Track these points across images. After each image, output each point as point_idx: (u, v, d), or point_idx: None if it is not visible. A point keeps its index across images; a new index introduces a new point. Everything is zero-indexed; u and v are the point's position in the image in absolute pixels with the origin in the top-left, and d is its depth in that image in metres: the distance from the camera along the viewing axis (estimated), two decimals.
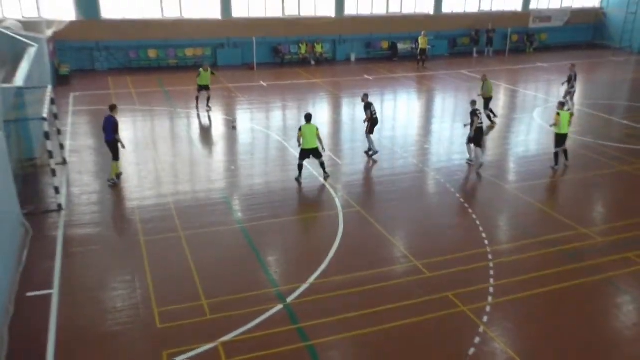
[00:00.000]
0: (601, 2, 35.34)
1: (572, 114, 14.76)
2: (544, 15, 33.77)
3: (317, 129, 13.35)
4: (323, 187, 13.36)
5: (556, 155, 14.81)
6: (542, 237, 11.05)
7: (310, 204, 12.46)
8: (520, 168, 15.17)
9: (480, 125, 14.62)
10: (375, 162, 15.21)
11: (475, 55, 31.30)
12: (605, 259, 10.30)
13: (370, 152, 15.47)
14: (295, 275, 9.61)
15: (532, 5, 33.65)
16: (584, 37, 35.33)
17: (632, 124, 18.61)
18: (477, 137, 14.57)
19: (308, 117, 13.41)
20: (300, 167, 13.54)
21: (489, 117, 18.57)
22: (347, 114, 19.88)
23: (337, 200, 12.63)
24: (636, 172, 14.59)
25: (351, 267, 9.82)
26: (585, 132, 17.53)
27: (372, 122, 15.18)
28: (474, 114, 14.60)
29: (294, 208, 12.39)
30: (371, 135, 15.38)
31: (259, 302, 8.80)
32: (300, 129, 13.31)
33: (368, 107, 15.11)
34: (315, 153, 13.41)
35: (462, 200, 12.73)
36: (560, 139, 14.66)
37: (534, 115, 19.96)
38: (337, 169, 14.68)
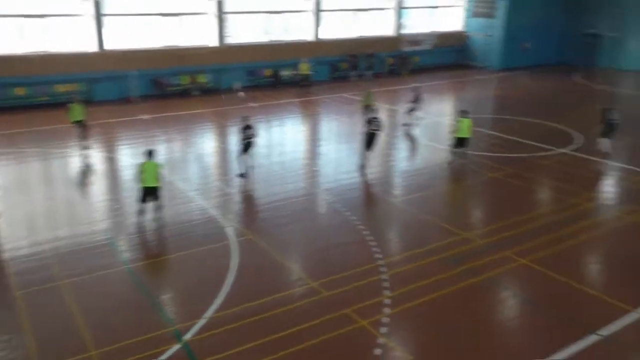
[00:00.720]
0: (464, 27, 38.55)
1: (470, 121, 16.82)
2: (414, 39, 36.13)
3: (159, 166, 12.44)
4: (212, 218, 13.14)
5: (454, 153, 16.87)
6: (429, 245, 11.65)
7: (200, 237, 12.17)
8: (404, 182, 15.96)
9: (373, 131, 15.97)
10: (245, 179, 15.29)
11: (355, 78, 32.65)
12: (487, 259, 11.08)
13: (239, 173, 15.77)
14: (191, 311, 9.30)
15: (404, 30, 35.87)
16: (452, 59, 38.18)
17: (497, 134, 20.31)
18: (369, 141, 16.11)
19: (149, 153, 12.40)
20: (142, 211, 12.47)
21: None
22: (234, 142, 19.76)
23: (228, 229, 12.46)
24: (505, 178, 15.91)
25: (248, 297, 9.70)
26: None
27: (244, 144, 15.60)
28: (368, 121, 16.21)
29: (184, 242, 12.02)
30: (243, 157, 15.69)
31: (155, 344, 8.40)
32: (140, 165, 12.34)
33: (243, 130, 15.59)
34: (155, 193, 12.42)
35: (353, 218, 13.10)
36: (460, 142, 16.67)
37: (415, 133, 21.11)
38: (227, 198, 14.53)
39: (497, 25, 36.18)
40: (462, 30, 38.55)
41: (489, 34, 36.52)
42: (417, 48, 36.03)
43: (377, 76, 33.28)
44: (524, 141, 19.35)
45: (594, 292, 9.94)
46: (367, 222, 12.85)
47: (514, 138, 19.77)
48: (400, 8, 35.24)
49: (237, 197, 14.66)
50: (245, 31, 30.23)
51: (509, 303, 9.74)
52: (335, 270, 10.59)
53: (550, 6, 37.68)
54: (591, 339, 8.58)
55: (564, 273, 10.52)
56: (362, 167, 16.30)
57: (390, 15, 35.22)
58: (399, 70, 34.96)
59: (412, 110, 21.64)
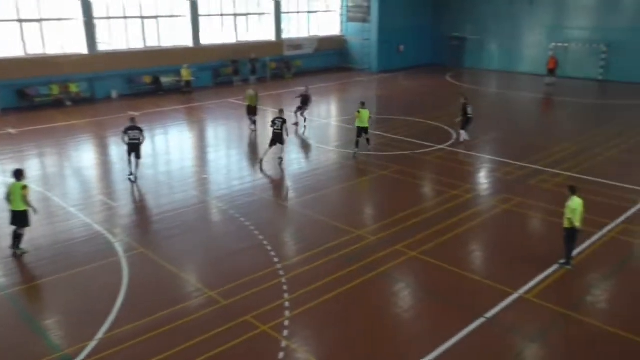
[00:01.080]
0: (342, 31, 39.82)
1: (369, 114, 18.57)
2: (296, 44, 36.71)
3: (25, 188, 11.30)
4: (98, 233, 12.41)
5: (357, 143, 18.39)
6: (324, 245, 11.89)
7: (86, 255, 11.45)
8: (297, 184, 16.15)
9: (277, 130, 17.11)
10: (136, 188, 14.73)
11: (238, 83, 32.46)
12: (380, 254, 11.53)
13: (130, 176, 15.94)
14: (81, 334, 8.73)
15: (284, 35, 36.29)
16: (333, 62, 39.28)
17: (382, 134, 21.20)
18: (275, 139, 17.17)
19: (16, 174, 11.35)
20: (17, 236, 11.37)
21: (254, 122, 21.80)
22: (115, 153, 18.84)
23: (116, 245, 11.85)
24: (392, 175, 16.67)
25: (143, 313, 9.29)
26: (346, 146, 19.45)
27: (129, 146, 15.77)
28: (272, 122, 17.42)
29: (68, 262, 11.22)
30: (130, 158, 15.88)
31: None
32: (8, 187, 11.46)
33: (127, 130, 15.79)
34: (23, 218, 11.36)
35: (247, 223, 13.03)
36: (360, 131, 18.27)
37: (300, 135, 21.44)
38: (113, 212, 13.81)
39: (372, 29, 37.77)
40: (341, 34, 39.80)
41: (366, 38, 38.04)
42: (298, 52, 36.63)
43: (260, 80, 33.36)
44: (407, 139, 20.39)
45: (478, 277, 10.72)
46: (262, 227, 12.84)
47: (398, 137, 20.77)
48: (279, 13, 35.60)
49: (124, 210, 13.98)
50: (121, 37, 28.90)
51: (403, 295, 10.22)
52: (232, 278, 10.47)
53: (420, 11, 40.04)
54: (478, 322, 9.25)
55: (450, 262, 11.24)
56: (261, 161, 17.37)
57: (270, 20, 35.48)
58: (282, 74, 35.33)
59: (300, 110, 22.19)
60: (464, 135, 19.99)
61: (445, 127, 21.96)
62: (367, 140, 18.63)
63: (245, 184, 15.91)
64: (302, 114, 22.41)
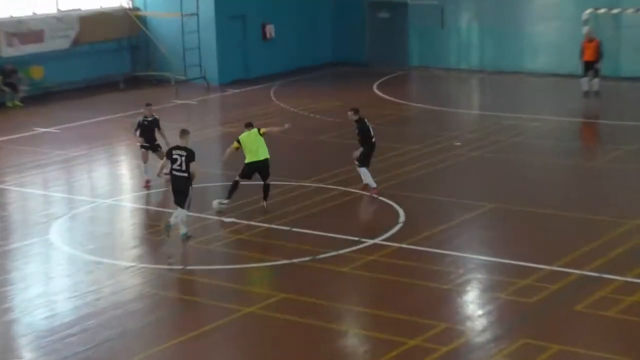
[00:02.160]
0: (133, 1, 40.18)
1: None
2: (28, 31, 36.50)
3: None
4: None
5: (232, 188, 22.30)
6: None
7: None
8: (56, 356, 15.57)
9: (179, 172, 19.91)
10: None
11: None
12: None
13: None
14: None
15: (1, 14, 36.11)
16: (115, 66, 39.47)
17: (247, 222, 21.24)
18: (178, 189, 20.17)
19: None
20: None
21: None
22: None
23: None
24: (276, 314, 16.42)
25: None
26: (150, 256, 19.33)
27: None
28: (168, 154, 20.53)
29: None
30: None
31: None
32: None
33: None
34: None
35: None
36: (252, 169, 22.24)
37: (51, 236, 20.92)
38: None
39: None
40: (130, 6, 40.24)
41: (190, 13, 38.55)
42: (35, 49, 36.53)
43: None
44: (301, 230, 20.60)
45: None
46: None
47: (282, 226, 20.99)
48: None
49: None
50: None
51: None
52: None
53: None
54: None
55: None
56: (168, 229, 20.12)
57: None
58: (1, 98, 35.03)
59: (148, 148, 23.29)
60: (367, 177, 22.61)
61: (380, 197, 22.47)
62: (266, 187, 22.18)
63: None
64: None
